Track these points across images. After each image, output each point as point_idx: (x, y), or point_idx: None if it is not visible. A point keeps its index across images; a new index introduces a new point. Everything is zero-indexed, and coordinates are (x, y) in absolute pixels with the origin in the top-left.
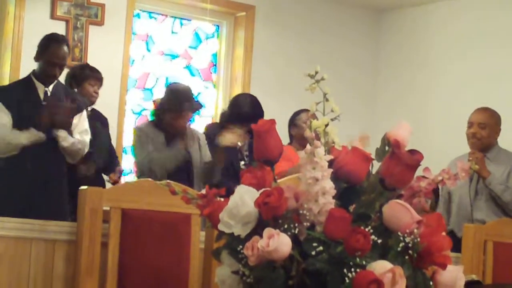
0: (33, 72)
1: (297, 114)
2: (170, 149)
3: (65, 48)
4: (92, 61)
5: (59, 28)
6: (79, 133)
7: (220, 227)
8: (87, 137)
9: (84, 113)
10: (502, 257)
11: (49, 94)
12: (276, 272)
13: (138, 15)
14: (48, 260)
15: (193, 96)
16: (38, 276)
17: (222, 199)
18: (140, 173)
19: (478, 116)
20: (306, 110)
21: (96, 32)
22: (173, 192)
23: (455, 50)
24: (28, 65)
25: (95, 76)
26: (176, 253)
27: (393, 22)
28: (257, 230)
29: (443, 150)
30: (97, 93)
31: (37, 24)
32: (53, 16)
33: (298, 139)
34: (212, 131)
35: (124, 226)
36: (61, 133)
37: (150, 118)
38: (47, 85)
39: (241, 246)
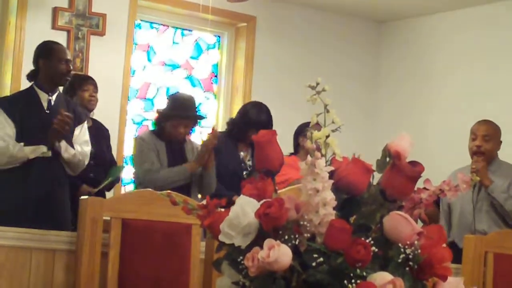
0: (35, 82)
1: (307, 125)
2: (173, 169)
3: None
4: (93, 71)
5: (60, 38)
6: (80, 144)
7: (221, 237)
8: (88, 149)
9: (85, 124)
10: (502, 268)
11: (52, 103)
12: (276, 283)
13: (139, 26)
14: (48, 270)
15: (196, 106)
16: (38, 285)
17: (223, 210)
18: (138, 184)
19: (482, 128)
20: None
21: (97, 42)
22: (173, 202)
23: (458, 61)
24: None
25: (86, 82)
26: (177, 264)
27: (395, 33)
28: (258, 241)
29: (444, 163)
30: (93, 96)
31: (39, 34)
32: (54, 26)
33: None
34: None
35: (125, 236)
36: (62, 144)
37: (151, 127)
38: (50, 94)
39: (241, 257)
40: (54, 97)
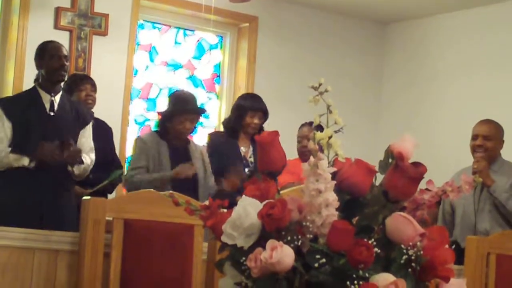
0: (38, 82)
1: (299, 128)
2: (154, 175)
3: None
4: (95, 71)
5: (63, 38)
6: (87, 152)
7: (223, 238)
8: (93, 155)
9: (90, 126)
10: (505, 269)
11: (55, 104)
12: (279, 284)
13: (141, 26)
14: (51, 270)
15: (197, 101)
16: (40, 286)
17: (225, 211)
18: (124, 182)
19: (483, 128)
20: (308, 124)
21: (99, 42)
22: (176, 203)
23: (462, 63)
24: (31, 75)
25: (82, 81)
26: (179, 264)
27: (399, 35)
28: (260, 242)
29: (449, 165)
30: (90, 96)
31: (41, 34)
32: (56, 26)
33: (299, 153)
34: (217, 140)
35: (127, 237)
36: (74, 168)
37: (154, 128)
38: (52, 95)
39: (244, 258)
40: (57, 97)
